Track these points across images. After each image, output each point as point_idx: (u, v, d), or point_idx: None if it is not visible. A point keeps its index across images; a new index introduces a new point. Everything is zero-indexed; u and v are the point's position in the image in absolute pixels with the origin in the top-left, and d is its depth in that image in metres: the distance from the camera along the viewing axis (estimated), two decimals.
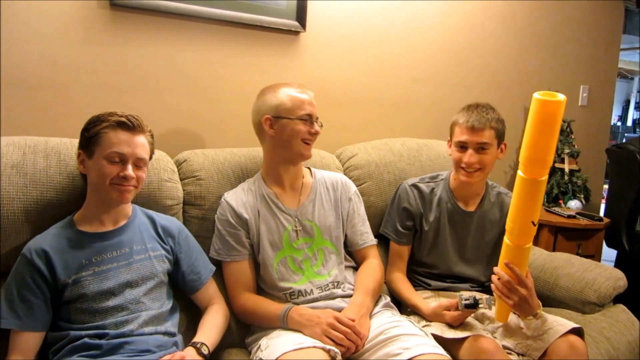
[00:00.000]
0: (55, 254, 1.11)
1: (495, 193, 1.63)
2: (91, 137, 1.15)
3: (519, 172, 1.15)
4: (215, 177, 1.53)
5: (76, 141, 1.22)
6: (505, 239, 1.25)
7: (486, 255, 1.61)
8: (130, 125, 1.16)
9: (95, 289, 1.12)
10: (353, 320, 1.24)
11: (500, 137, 1.50)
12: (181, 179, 1.52)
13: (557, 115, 1.08)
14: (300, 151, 1.38)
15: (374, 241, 1.56)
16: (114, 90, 1.65)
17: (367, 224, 1.57)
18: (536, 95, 1.09)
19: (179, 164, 1.55)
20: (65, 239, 1.14)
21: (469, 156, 1.46)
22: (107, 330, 1.11)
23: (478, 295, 1.42)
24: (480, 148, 1.47)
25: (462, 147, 1.49)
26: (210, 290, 1.36)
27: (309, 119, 1.37)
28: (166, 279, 1.27)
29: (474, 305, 1.30)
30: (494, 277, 1.29)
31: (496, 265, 1.31)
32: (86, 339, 1.09)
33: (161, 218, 1.32)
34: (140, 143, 1.19)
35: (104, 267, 1.15)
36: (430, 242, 1.60)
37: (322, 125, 1.43)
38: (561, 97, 1.08)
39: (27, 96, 1.53)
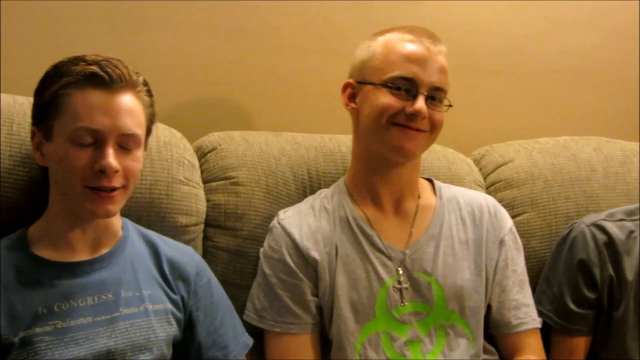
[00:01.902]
0: None
1: None
2: (46, 103, 0.93)
3: None
4: (263, 182, 1.20)
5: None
6: None
7: None
8: (105, 79, 0.91)
9: (54, 357, 0.90)
10: None
11: None
12: (205, 181, 1.22)
13: None
14: (390, 142, 1.05)
15: (538, 323, 1.17)
16: (101, 22, 1.28)
17: (528, 290, 1.18)
18: None
19: (202, 155, 1.26)
20: (12, 269, 0.94)
21: None
22: None
23: None
24: None
25: None
26: None
27: (409, 86, 1.03)
28: (170, 352, 1.00)
29: None
30: None
31: None
32: None
33: (169, 246, 1.06)
34: (127, 107, 0.93)
35: (71, 322, 0.92)
36: (631, 332, 1.20)
37: (450, 106, 1.07)
38: None
39: None
